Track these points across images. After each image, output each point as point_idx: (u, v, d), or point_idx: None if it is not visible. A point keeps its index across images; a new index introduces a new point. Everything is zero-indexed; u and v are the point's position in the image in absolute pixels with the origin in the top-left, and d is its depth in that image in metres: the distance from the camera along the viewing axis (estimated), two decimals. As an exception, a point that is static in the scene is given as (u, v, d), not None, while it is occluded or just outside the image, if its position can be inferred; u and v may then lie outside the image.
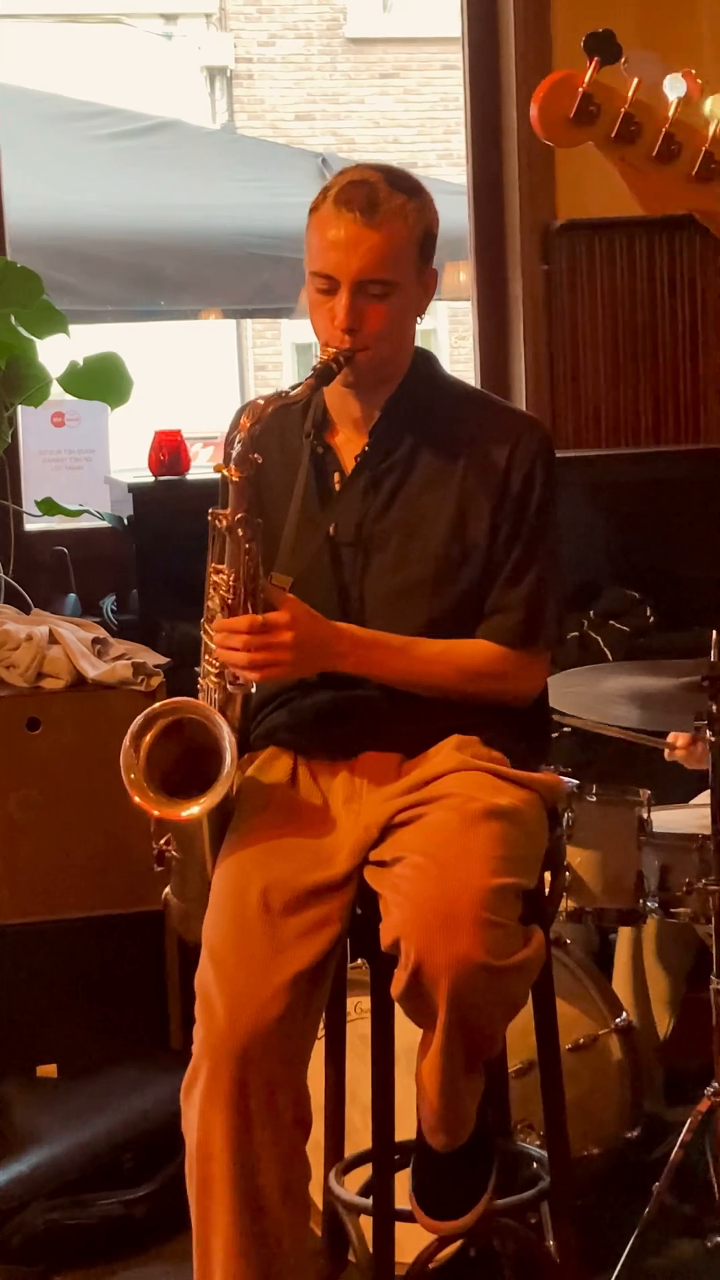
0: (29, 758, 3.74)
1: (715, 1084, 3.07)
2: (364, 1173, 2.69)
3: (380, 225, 2.49)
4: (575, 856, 3.26)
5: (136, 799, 2.49)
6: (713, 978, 3.08)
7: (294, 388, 2.51)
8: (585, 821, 3.28)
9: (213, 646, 2.52)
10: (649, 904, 3.24)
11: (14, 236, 4.46)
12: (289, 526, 2.59)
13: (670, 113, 2.19)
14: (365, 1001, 2.61)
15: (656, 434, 4.75)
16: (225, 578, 2.49)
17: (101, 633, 3.98)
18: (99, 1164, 3.35)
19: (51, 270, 5.19)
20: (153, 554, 4.29)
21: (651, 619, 4.33)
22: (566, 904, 3.27)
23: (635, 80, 2.15)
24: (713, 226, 2.39)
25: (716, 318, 4.74)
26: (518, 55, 4.53)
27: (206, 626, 2.55)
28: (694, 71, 2.15)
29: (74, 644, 3.82)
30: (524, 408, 4.48)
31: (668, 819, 3.40)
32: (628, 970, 3.58)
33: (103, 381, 4.13)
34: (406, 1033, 2.46)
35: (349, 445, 2.64)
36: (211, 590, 2.52)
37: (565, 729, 3.54)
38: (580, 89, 2.15)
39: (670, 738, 3.55)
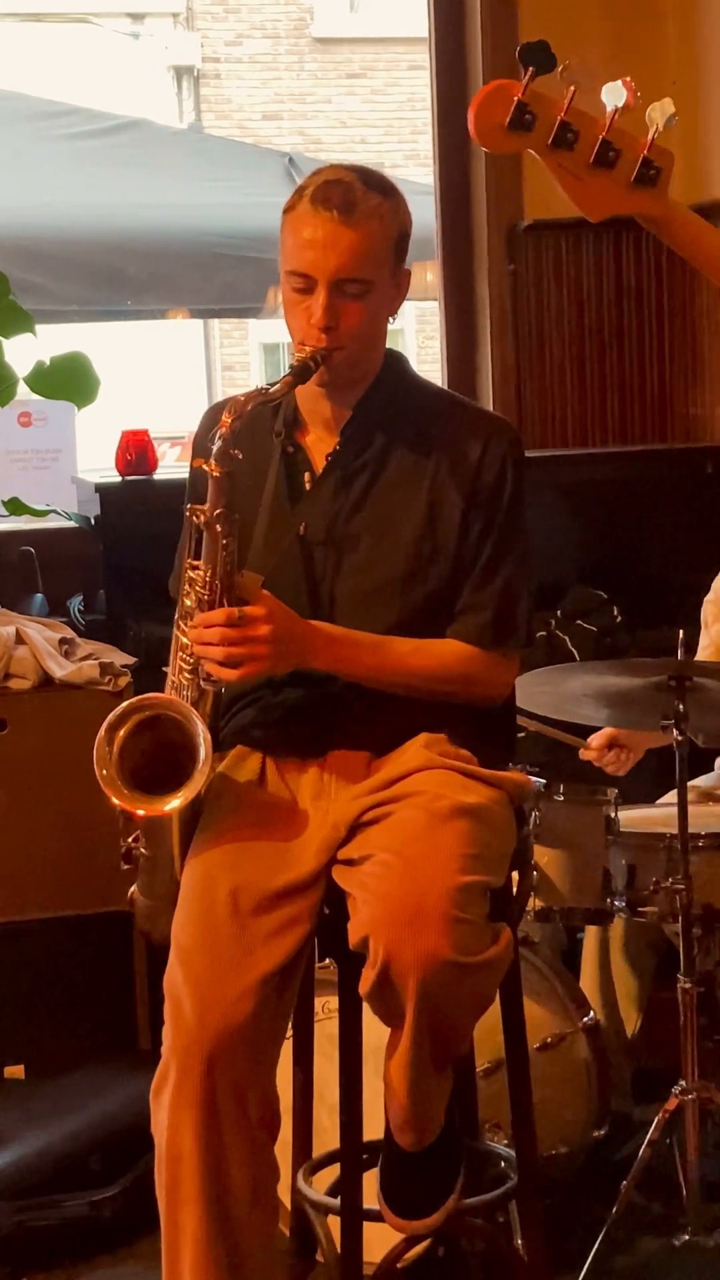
0: (-5, 758, 3.73)
1: (683, 1083, 3.08)
2: (332, 1172, 2.69)
3: (357, 225, 2.49)
4: (543, 855, 3.26)
5: (110, 794, 2.46)
6: (679, 976, 3.09)
7: (272, 385, 2.50)
8: (553, 820, 3.28)
9: (186, 642, 2.51)
10: (616, 903, 3.25)
11: (-20, 236, 4.46)
12: (259, 526, 2.59)
13: (608, 120, 2.22)
14: (333, 1001, 2.60)
15: (623, 434, 4.76)
16: (202, 574, 2.47)
17: (68, 633, 3.96)
18: (66, 1164, 3.34)
19: (18, 270, 5.16)
20: (120, 554, 4.28)
21: (619, 618, 4.34)
22: (534, 903, 3.27)
23: (572, 89, 2.18)
24: (654, 230, 2.41)
25: (682, 317, 4.75)
26: (484, 56, 4.53)
27: (180, 623, 2.54)
28: (632, 81, 2.18)
29: (41, 644, 3.81)
30: (491, 407, 4.49)
31: (635, 818, 3.40)
32: (595, 969, 3.59)
33: (70, 381, 4.11)
34: (374, 1032, 2.46)
35: (320, 445, 2.64)
36: (187, 586, 2.51)
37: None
38: (516, 97, 2.18)
39: (589, 739, 3.56)
